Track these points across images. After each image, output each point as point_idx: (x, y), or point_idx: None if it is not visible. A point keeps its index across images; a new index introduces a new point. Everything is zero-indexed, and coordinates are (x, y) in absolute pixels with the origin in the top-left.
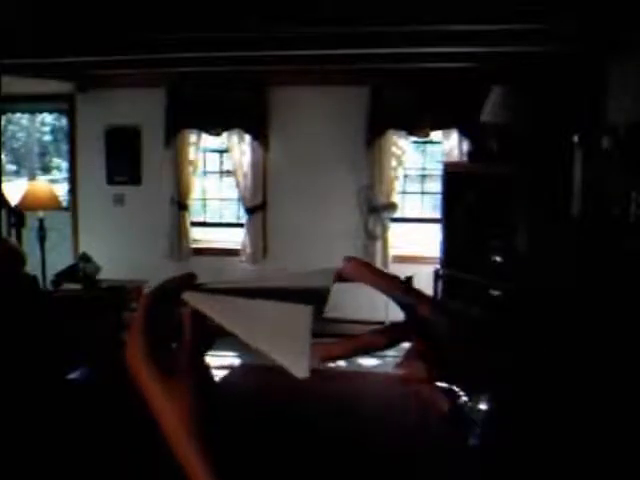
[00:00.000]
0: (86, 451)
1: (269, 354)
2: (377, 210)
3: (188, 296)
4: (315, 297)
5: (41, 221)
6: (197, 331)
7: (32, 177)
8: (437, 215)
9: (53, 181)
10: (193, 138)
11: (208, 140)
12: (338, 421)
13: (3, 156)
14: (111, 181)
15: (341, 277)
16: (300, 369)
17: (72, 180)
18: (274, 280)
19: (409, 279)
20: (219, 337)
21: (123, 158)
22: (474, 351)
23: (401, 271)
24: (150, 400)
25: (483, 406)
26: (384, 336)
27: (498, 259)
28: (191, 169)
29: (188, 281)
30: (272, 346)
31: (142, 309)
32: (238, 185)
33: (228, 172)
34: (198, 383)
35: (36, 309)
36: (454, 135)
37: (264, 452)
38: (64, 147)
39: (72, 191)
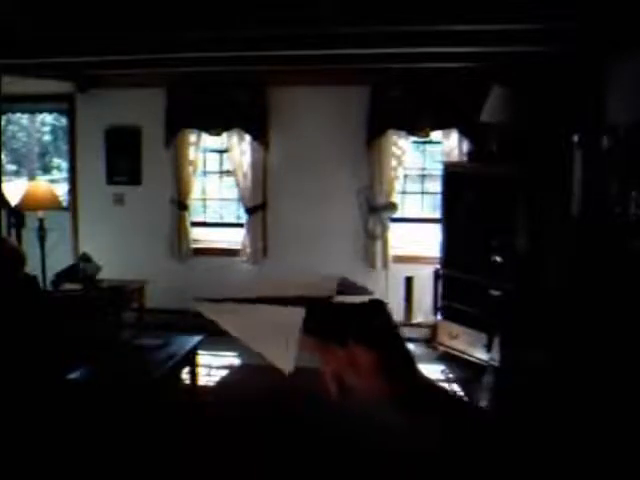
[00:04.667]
0: (86, 451)
1: (260, 352)
2: (377, 210)
3: (197, 305)
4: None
5: (41, 221)
6: None
7: (32, 177)
8: (437, 215)
9: (53, 181)
10: (193, 138)
11: (208, 140)
12: (338, 421)
13: (3, 156)
14: (111, 181)
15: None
16: (285, 365)
17: (72, 180)
18: (280, 289)
19: (409, 279)
20: None
21: (123, 158)
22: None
23: (401, 271)
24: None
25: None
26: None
27: (498, 259)
28: (191, 169)
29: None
30: (263, 345)
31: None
32: (238, 185)
33: (228, 172)
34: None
35: (36, 309)
36: (454, 135)
37: (265, 451)
38: (64, 147)
39: (72, 191)
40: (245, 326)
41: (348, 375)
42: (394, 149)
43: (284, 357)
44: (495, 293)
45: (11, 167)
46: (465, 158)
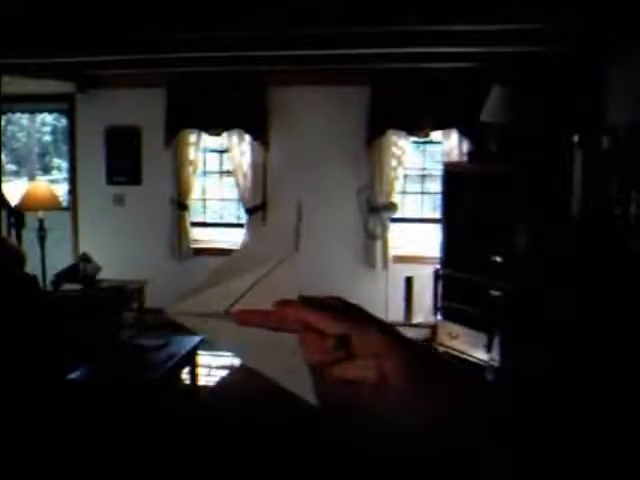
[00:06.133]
0: (86, 451)
1: (279, 382)
2: (377, 210)
3: (174, 314)
4: None
5: (41, 221)
6: None
7: (32, 177)
8: (437, 215)
9: (53, 181)
10: (193, 138)
11: (208, 140)
12: (339, 421)
13: (3, 156)
14: (111, 181)
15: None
16: (304, 391)
17: (72, 180)
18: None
19: (409, 279)
20: None
21: (123, 158)
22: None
23: (401, 271)
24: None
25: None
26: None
27: (498, 259)
28: (191, 169)
29: None
30: (269, 367)
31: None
32: (238, 185)
33: (228, 172)
34: None
35: (36, 309)
36: (454, 135)
37: (265, 451)
38: (64, 147)
39: (72, 191)
40: (241, 339)
41: (347, 325)
42: (394, 149)
43: (299, 380)
44: (495, 293)
45: (11, 167)
46: (465, 158)
